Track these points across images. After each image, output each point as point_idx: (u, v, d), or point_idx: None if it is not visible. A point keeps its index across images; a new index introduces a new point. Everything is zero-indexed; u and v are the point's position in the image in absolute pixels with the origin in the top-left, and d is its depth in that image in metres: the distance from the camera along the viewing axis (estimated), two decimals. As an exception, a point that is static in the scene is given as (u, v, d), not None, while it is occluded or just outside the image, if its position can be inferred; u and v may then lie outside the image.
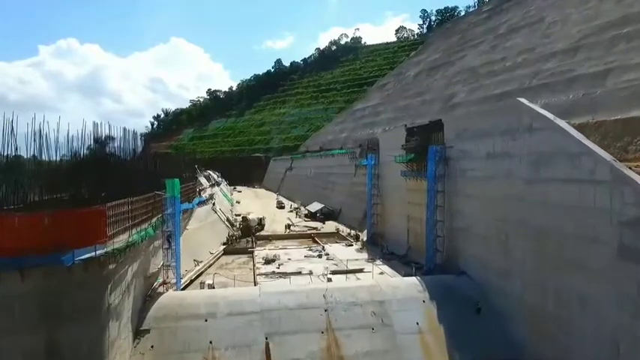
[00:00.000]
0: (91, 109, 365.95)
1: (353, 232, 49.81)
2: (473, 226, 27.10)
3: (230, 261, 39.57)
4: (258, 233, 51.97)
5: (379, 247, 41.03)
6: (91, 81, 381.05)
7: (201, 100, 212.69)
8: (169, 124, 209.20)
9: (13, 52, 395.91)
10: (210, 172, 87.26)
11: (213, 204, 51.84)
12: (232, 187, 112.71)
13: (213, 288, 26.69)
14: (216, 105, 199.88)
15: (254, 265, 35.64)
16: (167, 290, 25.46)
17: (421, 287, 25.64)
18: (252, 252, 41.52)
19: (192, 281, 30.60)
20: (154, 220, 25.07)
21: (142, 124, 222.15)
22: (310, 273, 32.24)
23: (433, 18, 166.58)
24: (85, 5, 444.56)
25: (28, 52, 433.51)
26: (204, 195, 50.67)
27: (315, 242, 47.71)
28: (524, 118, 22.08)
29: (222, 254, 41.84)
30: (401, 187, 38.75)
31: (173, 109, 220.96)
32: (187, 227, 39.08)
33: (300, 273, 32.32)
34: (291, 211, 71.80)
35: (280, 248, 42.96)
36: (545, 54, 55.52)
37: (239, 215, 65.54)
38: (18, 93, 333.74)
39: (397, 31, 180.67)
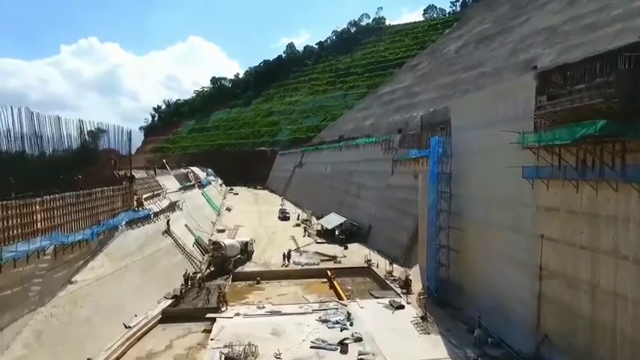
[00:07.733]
0: (109, 107, 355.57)
1: (397, 272, 29.41)
2: None
3: (164, 345, 19.70)
4: (239, 268, 32.05)
5: (461, 320, 20.81)
6: (109, 79, 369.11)
7: (205, 89, 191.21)
8: (170, 115, 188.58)
9: (37, 51, 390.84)
10: (195, 170, 67.57)
11: (168, 221, 32.00)
12: (228, 189, 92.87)
13: None
14: (220, 94, 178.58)
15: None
16: None
17: None
18: (213, 319, 21.77)
19: None
20: None
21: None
22: None
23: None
24: (107, 4, 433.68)
25: (50, 51, 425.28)
26: (151, 207, 30.88)
27: (333, 290, 27.71)
28: None
29: (158, 322, 22.11)
30: (518, 202, 18.39)
31: (174, 100, 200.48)
32: (74, 280, 19.32)
33: None
34: (298, 225, 51.19)
35: (270, 311, 22.85)
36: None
37: (222, 231, 45.75)
38: (39, 92, 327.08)
39: (425, 11, 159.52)
